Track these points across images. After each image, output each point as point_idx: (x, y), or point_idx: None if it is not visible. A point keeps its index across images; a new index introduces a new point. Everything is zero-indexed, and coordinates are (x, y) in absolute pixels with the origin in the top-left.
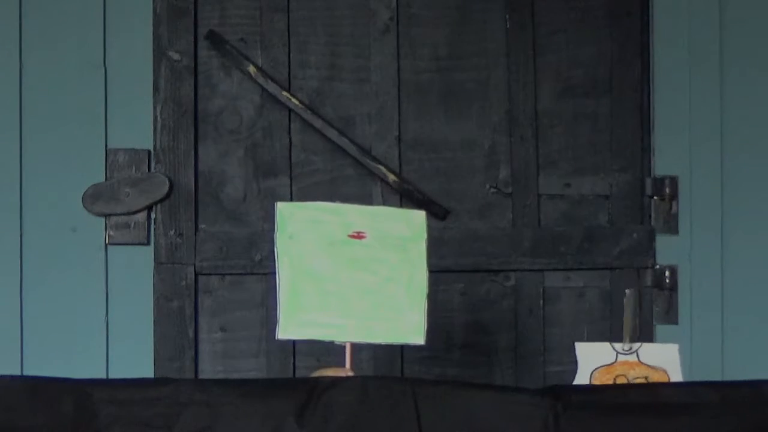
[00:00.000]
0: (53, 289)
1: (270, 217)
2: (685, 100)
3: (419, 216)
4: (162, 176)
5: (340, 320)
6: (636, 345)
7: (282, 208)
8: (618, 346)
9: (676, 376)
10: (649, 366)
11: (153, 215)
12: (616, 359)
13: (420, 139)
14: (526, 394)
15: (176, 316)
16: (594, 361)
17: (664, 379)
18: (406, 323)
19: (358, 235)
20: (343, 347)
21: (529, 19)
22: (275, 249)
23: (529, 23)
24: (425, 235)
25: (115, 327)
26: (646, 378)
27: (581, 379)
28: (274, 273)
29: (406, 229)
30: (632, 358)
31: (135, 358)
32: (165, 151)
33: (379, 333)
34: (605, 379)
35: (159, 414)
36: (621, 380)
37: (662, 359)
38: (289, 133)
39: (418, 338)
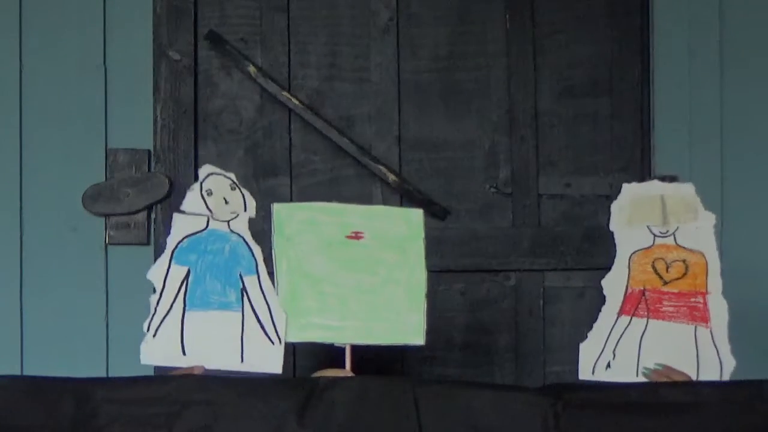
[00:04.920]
0: (53, 289)
1: (270, 217)
2: (685, 100)
3: (417, 215)
4: (162, 176)
5: (340, 322)
6: (672, 227)
7: (279, 209)
8: (655, 228)
9: (713, 257)
10: (685, 248)
11: (153, 215)
12: (654, 242)
13: (420, 139)
14: (526, 393)
15: None
16: (632, 244)
17: (701, 262)
18: (405, 324)
19: (356, 236)
20: (343, 349)
21: (529, 19)
22: (273, 251)
23: (529, 23)
24: (423, 234)
25: (115, 327)
26: (684, 261)
27: (620, 263)
28: (273, 274)
29: (405, 228)
30: (669, 240)
31: (135, 358)
32: (165, 151)
33: (379, 334)
34: (643, 263)
35: (159, 413)
36: (659, 264)
37: (699, 241)
38: (289, 133)
39: (418, 339)
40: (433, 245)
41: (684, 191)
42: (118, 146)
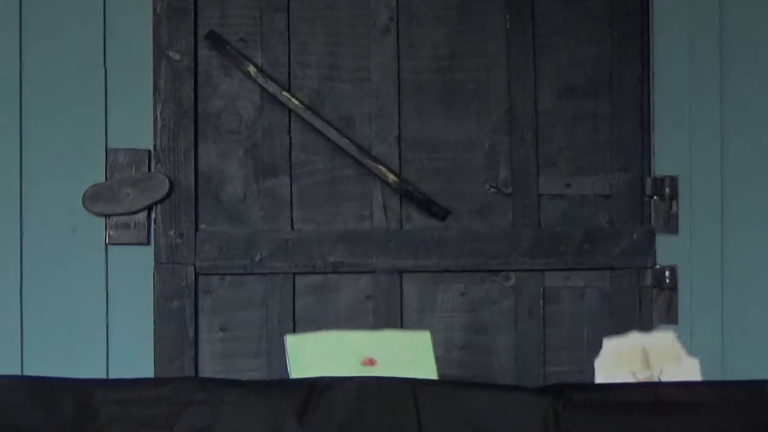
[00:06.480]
0: (53, 289)
1: (270, 217)
2: (685, 100)
3: (424, 337)
4: (162, 176)
5: None
6: (656, 371)
7: (292, 341)
8: (639, 374)
9: None
10: None
11: (153, 215)
12: None
13: (420, 139)
14: (526, 393)
15: (176, 316)
16: None
17: None
18: None
19: (371, 362)
20: None
21: (529, 19)
22: None
23: (529, 23)
24: (433, 355)
25: (115, 327)
26: None
27: None
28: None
29: (414, 351)
30: None
31: (135, 358)
32: (165, 151)
33: None
34: None
35: (159, 413)
36: None
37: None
38: (289, 133)
39: None
40: (433, 245)
41: (664, 340)
42: (118, 146)
